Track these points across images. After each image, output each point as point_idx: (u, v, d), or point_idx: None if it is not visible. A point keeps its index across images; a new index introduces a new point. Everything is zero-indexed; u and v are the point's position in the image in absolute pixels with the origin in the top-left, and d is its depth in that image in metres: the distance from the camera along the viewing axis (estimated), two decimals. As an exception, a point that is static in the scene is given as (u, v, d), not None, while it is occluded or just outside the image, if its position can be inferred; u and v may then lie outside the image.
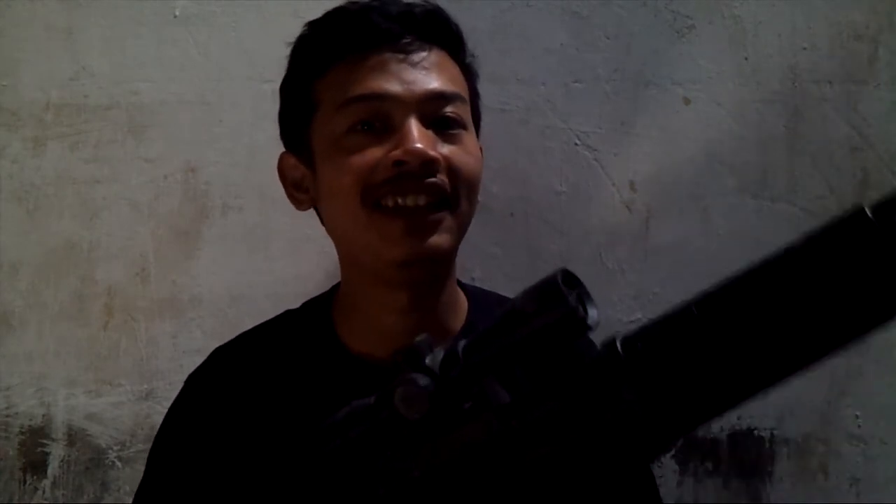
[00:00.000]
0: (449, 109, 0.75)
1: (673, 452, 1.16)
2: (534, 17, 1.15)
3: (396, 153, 0.72)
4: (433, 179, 0.73)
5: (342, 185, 0.74)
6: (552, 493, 0.51)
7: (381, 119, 0.74)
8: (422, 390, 0.53)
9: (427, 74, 0.75)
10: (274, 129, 1.07)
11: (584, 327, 0.50)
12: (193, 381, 0.83)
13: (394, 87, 0.74)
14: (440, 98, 0.75)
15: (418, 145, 0.72)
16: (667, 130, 1.17)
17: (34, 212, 1.08)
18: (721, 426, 1.16)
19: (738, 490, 1.17)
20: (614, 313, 1.17)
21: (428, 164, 0.72)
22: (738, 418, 1.16)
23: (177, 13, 1.11)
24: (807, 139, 1.19)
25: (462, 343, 0.53)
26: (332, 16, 0.80)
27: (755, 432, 1.17)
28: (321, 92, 0.77)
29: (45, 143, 1.09)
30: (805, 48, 1.19)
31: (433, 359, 0.54)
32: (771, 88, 1.18)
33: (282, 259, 1.12)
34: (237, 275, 1.11)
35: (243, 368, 0.81)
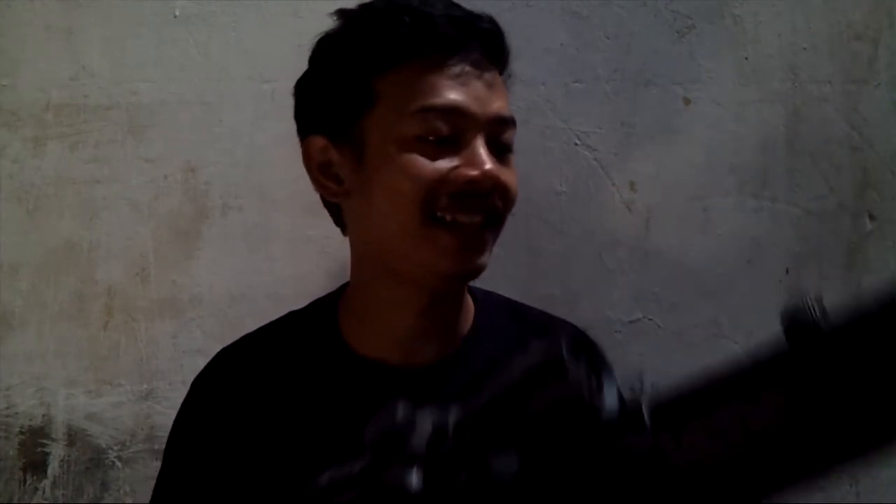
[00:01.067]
0: (507, 135, 0.77)
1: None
2: (534, 17, 1.15)
3: (474, 173, 0.72)
4: (493, 201, 0.75)
5: (404, 190, 0.73)
6: None
7: (454, 133, 0.74)
8: (410, 492, 0.49)
9: (495, 94, 0.76)
10: (274, 129, 1.07)
11: (595, 414, 0.45)
12: (199, 384, 0.83)
13: (472, 103, 0.74)
14: (503, 122, 0.76)
15: (492, 167, 0.73)
16: (667, 130, 1.17)
17: (34, 212, 1.08)
18: (721, 426, 1.16)
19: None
20: (614, 313, 1.17)
21: (496, 188, 0.74)
22: (738, 418, 1.16)
23: (177, 13, 1.11)
24: (807, 139, 1.19)
25: (453, 417, 0.50)
26: (397, 10, 0.76)
27: (755, 432, 1.17)
28: (385, 87, 0.75)
29: (45, 143, 1.08)
30: (805, 48, 1.19)
31: (418, 435, 0.50)
32: (771, 88, 1.19)
33: (282, 259, 1.12)
34: (237, 275, 1.11)
35: (248, 372, 0.81)
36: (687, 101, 1.17)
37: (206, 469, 0.77)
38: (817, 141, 1.19)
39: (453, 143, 0.73)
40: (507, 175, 0.75)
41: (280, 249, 1.12)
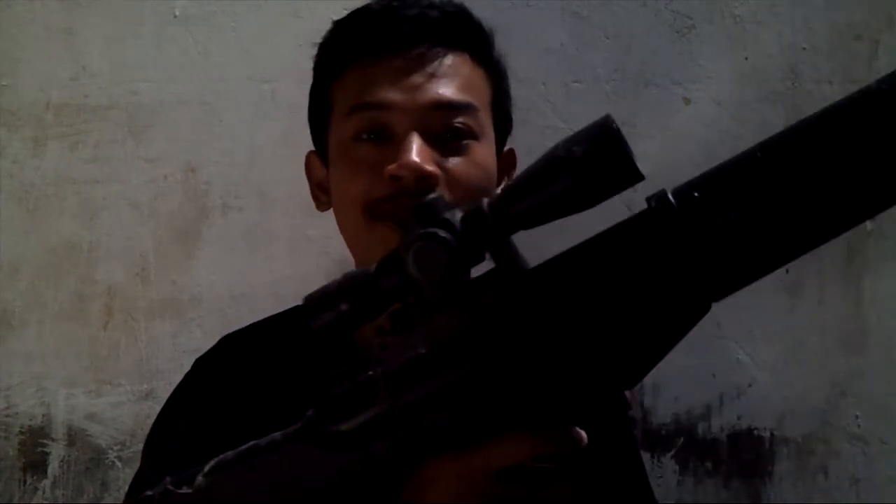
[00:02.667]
0: (458, 120, 0.73)
1: (673, 452, 1.16)
2: (534, 17, 1.15)
3: (392, 168, 0.70)
4: (432, 195, 0.73)
5: (347, 195, 0.74)
6: (577, 377, 0.46)
7: (385, 129, 0.73)
8: (441, 246, 0.46)
9: (436, 83, 0.73)
10: (274, 129, 1.07)
11: (638, 176, 0.44)
12: (201, 364, 0.83)
13: (396, 96, 0.72)
14: (447, 107, 0.73)
15: (414, 159, 0.70)
16: (667, 130, 1.16)
17: (34, 212, 1.08)
18: (721, 426, 1.16)
19: (738, 490, 1.17)
20: (614, 313, 1.17)
21: (423, 180, 0.70)
22: (739, 418, 1.16)
23: (177, 13, 1.11)
24: (807, 139, 1.19)
25: (486, 200, 0.47)
26: (353, 17, 0.78)
27: (755, 432, 1.17)
28: (335, 96, 0.77)
29: (45, 143, 1.09)
30: (805, 48, 1.19)
31: (452, 216, 0.47)
32: (771, 88, 1.18)
33: (282, 259, 1.12)
34: (237, 275, 1.11)
35: (251, 356, 0.81)
36: (687, 101, 1.17)
37: (193, 447, 0.77)
38: (817, 141, 1.19)
39: (388, 139, 0.73)
40: (456, 165, 0.72)
41: (280, 249, 1.12)
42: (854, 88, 0.43)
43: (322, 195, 0.82)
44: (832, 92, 1.19)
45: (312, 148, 0.83)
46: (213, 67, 1.11)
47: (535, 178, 0.46)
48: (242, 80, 1.11)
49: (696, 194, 0.43)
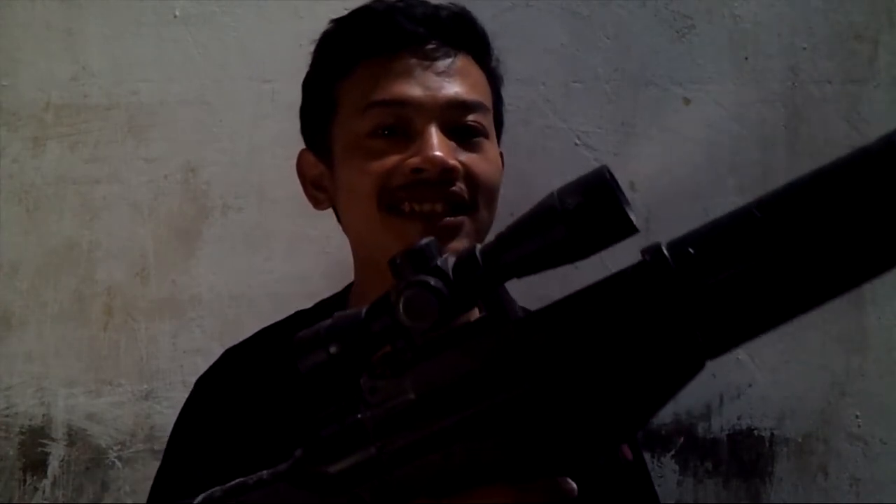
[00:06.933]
0: (471, 118, 0.75)
1: (673, 452, 1.16)
2: (534, 17, 1.15)
3: (415, 160, 0.72)
4: (452, 188, 0.73)
5: (360, 188, 0.74)
6: (568, 429, 0.45)
7: (403, 125, 0.74)
8: (433, 294, 0.45)
9: (451, 81, 0.75)
10: (274, 129, 1.07)
11: (632, 229, 0.44)
12: (204, 383, 0.83)
13: (416, 93, 0.74)
14: (462, 106, 0.75)
15: (437, 153, 0.71)
16: (667, 130, 1.16)
17: (34, 212, 1.08)
18: (721, 426, 1.16)
19: (738, 490, 1.17)
20: (614, 313, 1.17)
21: (446, 173, 0.72)
22: (739, 418, 1.17)
23: (177, 13, 1.11)
24: (807, 139, 1.19)
25: (479, 247, 0.47)
26: (357, 15, 0.79)
27: (755, 432, 1.17)
28: (343, 92, 0.77)
29: (45, 143, 1.08)
30: (805, 48, 1.19)
31: (444, 264, 0.47)
32: (771, 88, 1.18)
33: (282, 259, 1.12)
34: (237, 275, 1.11)
35: (254, 371, 0.81)
36: (687, 101, 1.17)
37: (207, 467, 0.77)
38: (817, 141, 1.19)
39: (405, 135, 0.74)
40: (472, 161, 0.74)
41: (280, 249, 1.12)
42: (854, 88, 0.43)
43: (319, 193, 0.81)
44: (832, 92, 1.19)
45: (298, 159, 0.83)
46: (213, 67, 1.11)
47: (528, 227, 0.46)
48: (242, 80, 1.11)
49: (691, 251, 0.43)
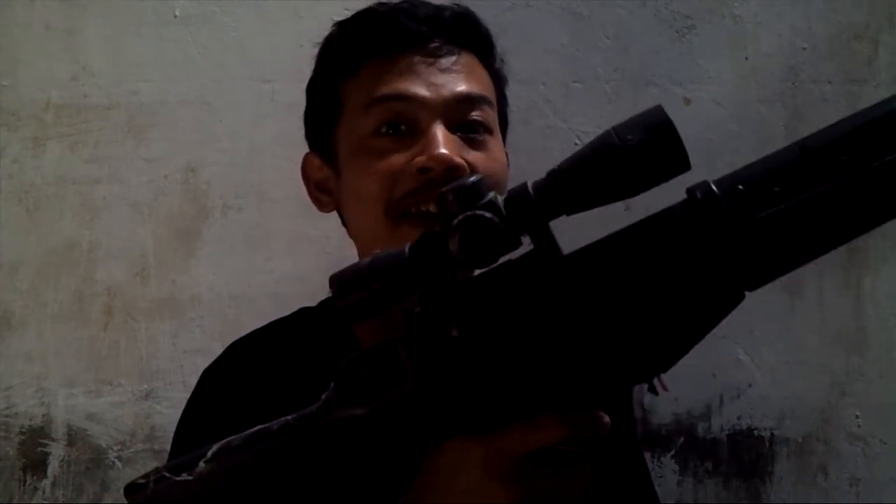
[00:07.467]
0: (476, 113, 0.75)
1: (673, 452, 1.16)
2: (534, 17, 1.15)
3: (421, 160, 0.71)
4: (473, 177, 0.72)
5: (366, 190, 0.73)
6: (613, 360, 0.45)
7: (407, 122, 0.73)
8: (489, 228, 0.45)
9: (455, 78, 0.75)
10: (274, 129, 1.07)
11: (687, 166, 0.45)
12: (209, 375, 0.83)
13: (420, 89, 0.73)
14: (467, 101, 0.75)
15: (443, 151, 0.71)
16: (667, 130, 1.16)
17: (34, 212, 1.08)
18: (721, 426, 1.16)
19: (738, 490, 1.17)
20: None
21: (453, 171, 0.71)
22: (739, 418, 1.16)
23: (177, 13, 1.11)
24: (807, 139, 1.19)
25: (531, 183, 0.48)
26: (360, 17, 0.79)
27: (755, 432, 1.17)
28: (347, 93, 0.77)
29: (45, 143, 1.08)
30: (805, 48, 1.19)
31: (495, 198, 0.47)
32: (771, 88, 1.18)
33: (282, 259, 1.12)
34: (237, 275, 1.11)
35: (259, 364, 0.80)
36: (687, 101, 1.17)
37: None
38: (817, 141, 1.19)
39: (409, 133, 0.73)
40: (478, 158, 0.73)
41: (280, 249, 1.12)
42: (854, 88, 0.44)
43: (323, 196, 0.81)
44: (832, 92, 1.19)
45: (302, 162, 0.83)
46: (213, 67, 1.11)
47: (584, 164, 0.46)
48: (242, 80, 1.11)
49: (741, 188, 0.44)
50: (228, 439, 0.54)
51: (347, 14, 0.82)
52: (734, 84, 1.18)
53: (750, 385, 1.16)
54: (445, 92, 0.74)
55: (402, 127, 0.73)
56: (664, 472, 1.15)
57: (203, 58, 1.11)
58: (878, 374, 1.18)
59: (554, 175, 0.47)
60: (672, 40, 1.18)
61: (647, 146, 0.45)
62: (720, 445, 1.17)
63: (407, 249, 0.49)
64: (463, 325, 0.47)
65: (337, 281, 0.49)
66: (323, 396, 0.52)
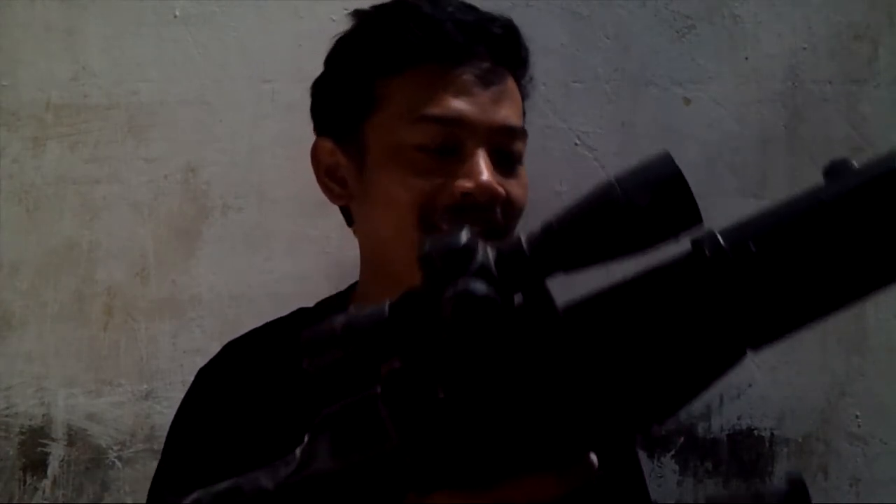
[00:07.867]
0: (515, 145, 0.75)
1: (673, 452, 1.16)
2: (534, 17, 1.15)
3: (468, 185, 0.71)
4: (493, 214, 0.73)
5: (399, 200, 0.72)
6: (604, 420, 0.43)
7: (453, 144, 0.73)
8: (486, 303, 0.42)
9: (501, 104, 0.74)
10: (274, 129, 1.07)
11: (698, 220, 0.42)
12: (204, 374, 0.83)
13: (474, 114, 0.72)
14: (510, 133, 0.75)
15: (488, 179, 0.71)
16: (667, 130, 1.16)
17: (34, 212, 1.08)
18: (721, 426, 1.16)
19: (738, 490, 1.17)
20: (614, 313, 1.17)
21: (493, 201, 0.72)
22: (739, 418, 1.16)
23: (177, 13, 1.11)
24: (807, 139, 1.19)
25: (524, 239, 0.45)
26: (406, 13, 0.76)
27: (755, 432, 1.17)
28: (387, 92, 0.75)
29: (45, 143, 1.08)
30: (805, 48, 1.19)
31: (487, 261, 0.43)
32: (771, 88, 1.18)
33: (282, 259, 1.12)
34: (237, 275, 1.11)
35: (254, 364, 0.80)
36: (687, 101, 1.17)
37: (206, 460, 0.77)
38: (817, 141, 1.19)
39: (454, 153, 0.73)
40: (511, 187, 0.74)
41: (280, 249, 1.12)
42: (854, 88, 0.43)
43: (336, 186, 0.79)
44: (832, 92, 1.19)
45: (313, 146, 0.81)
46: (213, 67, 1.11)
47: (584, 220, 0.43)
48: (242, 80, 1.11)
49: (752, 246, 0.41)
50: (201, 492, 0.51)
51: (347, 14, 0.81)
52: (734, 84, 1.18)
53: (750, 385, 1.16)
54: (493, 120, 0.73)
55: (447, 148, 0.73)
56: (664, 472, 1.15)
57: (203, 58, 1.11)
58: (878, 374, 1.18)
59: (550, 231, 0.44)
60: (672, 40, 1.18)
61: (654, 204, 0.42)
62: (720, 445, 1.17)
63: (387, 309, 0.45)
64: (449, 386, 0.45)
65: (307, 340, 0.46)
66: (297, 451, 0.49)
